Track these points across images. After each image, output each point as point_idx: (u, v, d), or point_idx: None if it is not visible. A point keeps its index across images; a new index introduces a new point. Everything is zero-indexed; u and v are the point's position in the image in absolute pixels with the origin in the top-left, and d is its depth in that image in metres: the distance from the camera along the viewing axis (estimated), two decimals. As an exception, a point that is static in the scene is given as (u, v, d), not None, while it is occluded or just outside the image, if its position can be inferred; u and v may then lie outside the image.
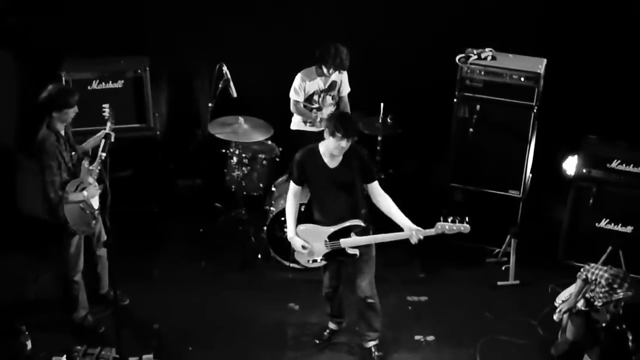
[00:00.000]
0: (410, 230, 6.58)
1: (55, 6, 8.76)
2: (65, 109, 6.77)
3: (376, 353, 7.19)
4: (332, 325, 7.43)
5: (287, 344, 7.39)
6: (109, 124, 7.10)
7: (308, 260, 6.95)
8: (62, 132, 6.86)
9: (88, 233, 7.11)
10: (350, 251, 6.80)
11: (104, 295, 7.56)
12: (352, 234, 6.74)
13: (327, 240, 6.79)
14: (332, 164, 6.67)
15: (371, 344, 7.21)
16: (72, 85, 8.26)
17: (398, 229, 6.68)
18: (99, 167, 6.96)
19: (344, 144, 6.47)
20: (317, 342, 7.37)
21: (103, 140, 7.00)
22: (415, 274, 8.28)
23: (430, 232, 6.59)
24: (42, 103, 6.77)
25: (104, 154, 6.88)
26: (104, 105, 7.15)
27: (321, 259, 6.90)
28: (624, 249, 7.86)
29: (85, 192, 6.89)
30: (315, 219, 6.87)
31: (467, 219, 6.58)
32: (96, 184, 7.00)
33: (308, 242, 6.81)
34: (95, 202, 7.04)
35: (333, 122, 6.47)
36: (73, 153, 6.94)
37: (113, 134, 7.08)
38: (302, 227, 6.85)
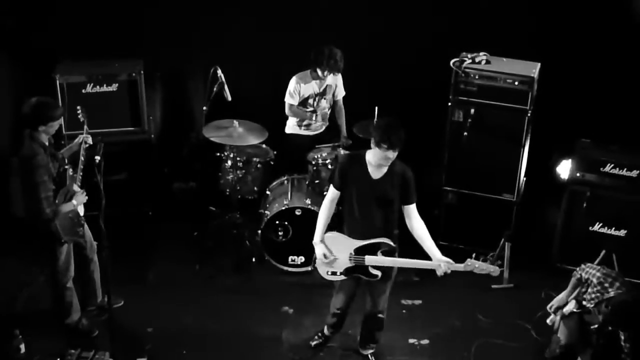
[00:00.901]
0: (439, 261, 6.42)
1: (49, 9, 8.75)
2: (51, 122, 6.73)
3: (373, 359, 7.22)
4: (327, 332, 7.37)
5: (281, 348, 7.39)
6: (85, 127, 7.08)
7: (327, 272, 6.74)
8: (47, 144, 6.84)
9: (77, 241, 7.07)
10: (373, 271, 6.61)
11: (99, 304, 7.52)
12: (379, 252, 6.55)
13: (353, 253, 6.58)
14: (375, 174, 6.46)
15: (370, 351, 7.22)
16: (67, 89, 8.26)
17: (424, 256, 6.55)
18: (81, 174, 6.94)
19: (391, 154, 6.24)
20: (312, 344, 7.36)
21: (82, 146, 6.95)
22: (409, 278, 8.28)
23: (459, 267, 6.45)
24: (26, 117, 6.70)
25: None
26: (77, 108, 7.13)
27: (341, 273, 6.70)
28: (618, 253, 7.88)
29: (74, 201, 6.86)
30: (346, 230, 6.67)
31: (499, 262, 6.66)
32: (81, 190, 6.98)
33: (332, 251, 6.62)
34: (81, 209, 7.02)
35: (380, 132, 6.23)
36: (56, 163, 6.91)
37: (90, 137, 7.04)
38: (330, 234, 6.66)
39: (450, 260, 6.41)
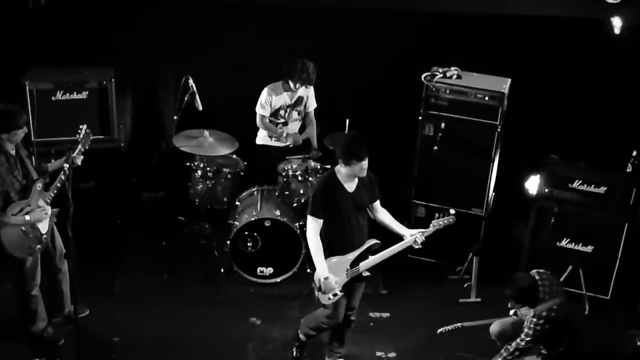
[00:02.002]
0: (412, 235, 6.77)
1: (20, 16, 8.68)
2: (14, 130, 6.67)
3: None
4: (303, 338, 7.24)
5: (248, 358, 7.36)
6: (79, 146, 6.92)
7: (329, 297, 6.79)
8: (13, 152, 6.77)
9: (25, 257, 6.92)
10: (365, 274, 6.86)
11: (66, 314, 7.44)
12: (369, 255, 6.82)
13: (349, 267, 6.76)
14: (351, 187, 6.69)
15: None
16: (36, 95, 8.20)
17: (396, 240, 6.85)
18: (54, 192, 6.84)
19: (365, 165, 6.52)
20: (295, 345, 7.30)
21: (65, 167, 6.79)
22: (377, 290, 8.29)
23: (429, 231, 6.83)
24: None
25: (63, 177, 6.76)
26: (80, 127, 6.99)
27: (340, 291, 6.79)
28: (584, 269, 7.95)
29: (27, 217, 6.76)
30: (335, 249, 6.74)
31: (451, 211, 6.90)
32: (47, 208, 6.89)
33: (334, 277, 6.71)
34: (44, 226, 6.91)
35: (342, 151, 6.53)
36: (24, 171, 6.83)
37: (81, 158, 6.92)
38: (329, 262, 6.71)
39: (421, 230, 6.79)
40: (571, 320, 6.82)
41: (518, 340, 6.71)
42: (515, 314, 6.75)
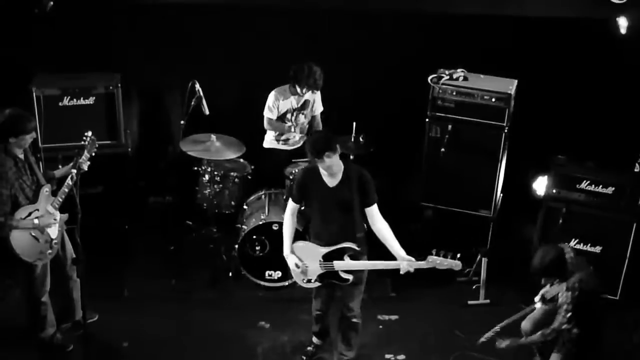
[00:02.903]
0: (402, 260, 6.59)
1: (27, 21, 8.70)
2: (23, 135, 6.67)
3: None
4: (316, 341, 7.41)
5: (257, 363, 7.38)
6: (85, 152, 6.92)
7: (303, 280, 6.94)
8: (21, 156, 6.78)
9: (39, 262, 6.93)
10: (344, 275, 6.78)
11: (77, 321, 7.44)
12: (346, 257, 6.73)
13: (322, 260, 6.78)
14: (331, 182, 6.69)
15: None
16: (43, 101, 8.22)
17: (393, 257, 6.69)
18: (62, 197, 6.86)
19: (328, 161, 6.49)
20: (304, 357, 7.35)
21: (72, 172, 6.84)
22: (386, 293, 8.29)
23: (422, 264, 6.61)
24: None
25: (71, 182, 6.78)
26: (86, 134, 7.01)
27: (315, 280, 6.87)
28: (593, 269, 7.91)
29: (36, 220, 6.77)
30: (312, 239, 6.88)
31: (458, 255, 6.63)
32: (56, 213, 6.89)
33: (303, 260, 6.83)
34: (54, 232, 6.92)
35: (307, 147, 6.58)
36: (34, 177, 6.85)
37: (87, 164, 6.92)
38: (300, 243, 6.91)
39: (412, 259, 6.59)
40: (598, 294, 6.68)
41: (560, 318, 6.47)
42: (542, 299, 6.64)
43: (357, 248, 6.71)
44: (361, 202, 6.67)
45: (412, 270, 6.59)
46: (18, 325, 7.39)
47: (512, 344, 6.71)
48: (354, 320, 7.01)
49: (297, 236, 6.99)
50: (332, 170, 6.59)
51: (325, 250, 6.75)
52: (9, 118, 6.67)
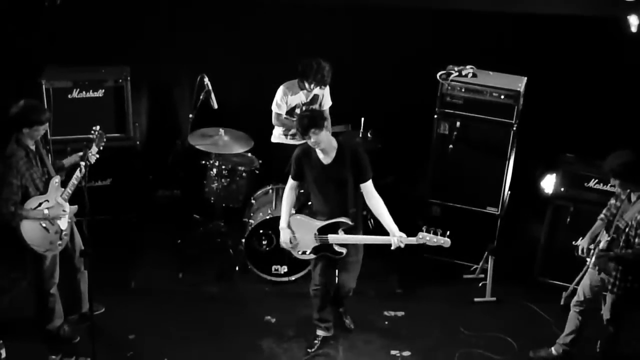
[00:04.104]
0: (394, 235, 6.79)
1: (36, 14, 8.72)
2: (36, 126, 6.69)
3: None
4: (320, 332, 7.42)
5: (262, 356, 7.37)
6: (94, 146, 6.94)
7: (298, 251, 7.16)
8: (32, 147, 6.80)
9: (49, 253, 6.96)
10: (338, 248, 7.03)
11: (84, 313, 7.45)
12: (340, 231, 6.98)
13: (317, 233, 7.02)
14: (326, 160, 6.90)
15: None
16: (53, 93, 8.24)
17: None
18: (71, 189, 6.88)
19: (314, 138, 6.72)
20: (309, 351, 7.36)
21: (81, 164, 6.86)
22: (392, 289, 8.30)
23: (412, 240, 6.83)
24: (12, 118, 6.68)
25: (79, 174, 6.81)
26: (94, 128, 7.03)
27: (310, 252, 7.09)
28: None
29: (46, 211, 6.79)
30: (310, 213, 7.15)
31: (448, 233, 6.78)
32: (66, 205, 6.91)
33: (299, 232, 7.07)
34: (63, 223, 6.95)
35: (301, 126, 6.74)
36: (45, 168, 6.87)
37: (96, 157, 6.95)
38: (297, 216, 7.16)
39: (404, 235, 6.80)
40: None
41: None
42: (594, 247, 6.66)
43: (350, 223, 6.94)
44: (355, 179, 6.88)
45: (402, 246, 6.82)
46: (25, 317, 7.41)
47: (606, 256, 6.68)
48: (349, 294, 7.36)
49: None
50: (320, 146, 6.80)
51: (321, 224, 7.00)
52: (24, 108, 6.69)
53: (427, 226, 6.84)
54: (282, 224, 7.11)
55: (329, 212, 6.98)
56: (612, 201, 6.85)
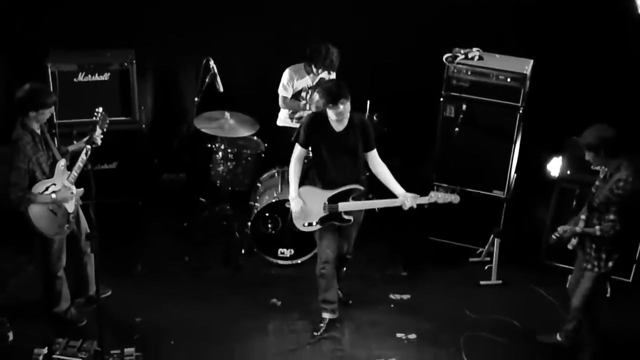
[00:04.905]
0: (405, 197, 6.93)
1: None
2: (42, 109, 6.70)
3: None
4: (326, 315, 7.42)
5: (268, 339, 7.40)
6: (97, 128, 6.97)
7: (304, 224, 7.19)
8: (38, 131, 6.80)
9: (58, 236, 7.00)
10: (346, 216, 7.10)
11: (90, 296, 7.47)
12: (350, 198, 7.06)
13: (327, 203, 7.08)
14: (338, 128, 6.97)
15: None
16: (58, 77, 8.24)
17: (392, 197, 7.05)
18: (77, 172, 6.89)
19: (341, 108, 6.79)
20: (315, 334, 7.37)
21: (86, 147, 6.89)
22: (398, 272, 8.30)
23: (424, 200, 6.98)
24: (18, 102, 6.68)
25: (85, 157, 6.82)
26: (96, 110, 7.05)
27: (316, 223, 7.13)
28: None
29: (53, 195, 6.80)
30: (317, 180, 7.15)
31: (457, 188, 6.96)
32: (72, 187, 6.93)
33: (307, 203, 7.11)
34: (70, 206, 6.97)
35: (321, 94, 6.83)
36: (50, 152, 6.88)
37: (100, 138, 6.97)
38: (304, 188, 7.17)
39: (416, 195, 6.95)
40: None
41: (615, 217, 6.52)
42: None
43: (362, 188, 7.09)
44: (364, 147, 7.05)
45: (414, 206, 6.94)
46: (32, 301, 7.45)
47: (570, 232, 6.74)
48: (348, 256, 7.50)
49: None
50: (343, 116, 6.86)
51: (331, 192, 7.07)
52: (29, 92, 6.69)
53: (437, 187, 7.13)
54: (293, 193, 7.14)
55: (343, 180, 7.04)
56: (596, 182, 6.83)
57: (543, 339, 7.33)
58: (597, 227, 6.58)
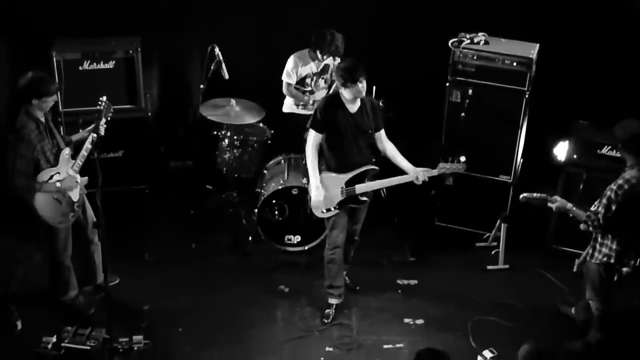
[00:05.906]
0: (415, 172, 7.01)
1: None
2: (45, 97, 6.70)
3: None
4: (333, 300, 7.43)
5: (276, 326, 7.41)
6: (103, 118, 6.98)
7: (322, 211, 7.17)
8: (42, 120, 6.81)
9: (62, 225, 7.01)
10: (362, 197, 7.14)
11: (98, 284, 7.49)
12: (366, 179, 7.10)
13: (344, 186, 7.09)
14: (353, 108, 7.00)
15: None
16: (63, 65, 8.23)
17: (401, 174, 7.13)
18: (82, 160, 6.90)
19: (359, 86, 6.81)
20: (325, 321, 7.39)
21: (91, 136, 6.90)
22: (405, 258, 8.30)
23: (434, 172, 7.07)
24: (21, 90, 6.69)
25: (89, 146, 6.83)
26: (100, 99, 7.05)
27: (335, 207, 7.12)
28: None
29: (58, 184, 6.80)
30: (333, 166, 7.13)
31: (463, 159, 7.04)
32: (77, 176, 6.93)
33: (327, 190, 7.09)
34: (75, 195, 6.97)
35: (339, 74, 6.84)
36: (54, 140, 6.88)
37: (104, 127, 6.97)
38: (323, 174, 7.13)
39: (426, 169, 7.04)
40: None
41: (601, 210, 6.56)
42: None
43: (377, 169, 7.15)
44: (375, 126, 7.11)
45: (426, 179, 7.01)
46: (40, 289, 7.48)
47: (561, 205, 6.78)
48: (356, 238, 7.49)
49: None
50: (361, 94, 6.88)
51: (349, 176, 7.08)
52: (32, 80, 6.70)
53: (444, 160, 7.10)
54: (316, 181, 7.07)
55: (360, 161, 7.07)
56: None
57: (563, 309, 7.38)
58: (586, 213, 6.60)
